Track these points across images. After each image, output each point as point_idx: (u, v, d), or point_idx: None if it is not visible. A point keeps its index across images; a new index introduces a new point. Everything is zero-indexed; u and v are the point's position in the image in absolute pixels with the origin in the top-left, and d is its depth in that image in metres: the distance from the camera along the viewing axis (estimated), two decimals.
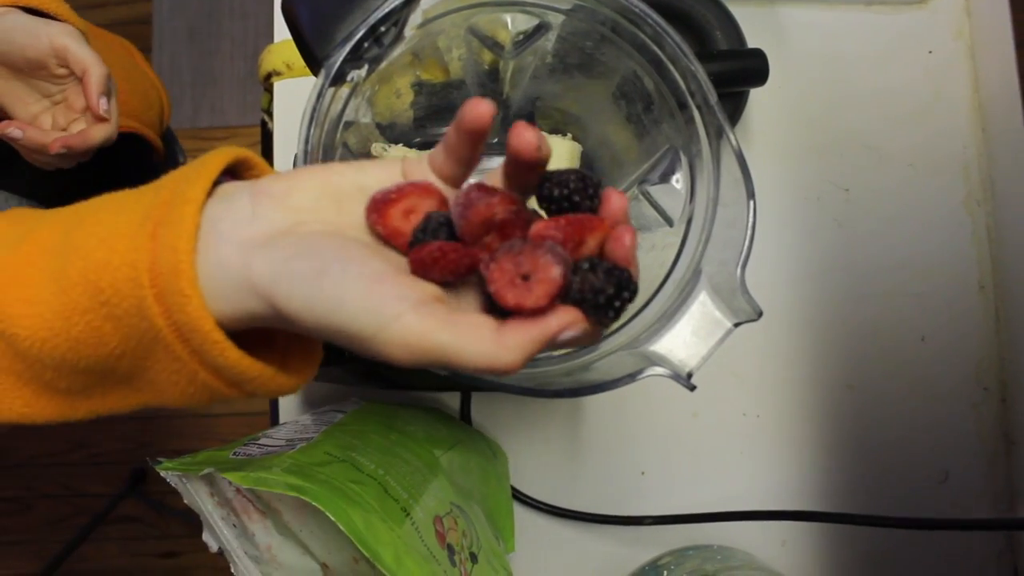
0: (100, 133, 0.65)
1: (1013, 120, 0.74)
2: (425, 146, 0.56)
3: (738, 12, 0.73)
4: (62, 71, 0.64)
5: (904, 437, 0.74)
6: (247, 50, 1.68)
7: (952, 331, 0.76)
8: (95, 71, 0.63)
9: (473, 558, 0.52)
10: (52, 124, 0.67)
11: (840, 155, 0.78)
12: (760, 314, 0.37)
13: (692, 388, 0.37)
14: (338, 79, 0.41)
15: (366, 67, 0.42)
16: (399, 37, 0.43)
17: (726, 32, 0.72)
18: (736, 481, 0.74)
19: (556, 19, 0.45)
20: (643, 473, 0.74)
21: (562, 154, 0.53)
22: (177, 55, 1.69)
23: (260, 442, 0.51)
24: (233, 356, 0.32)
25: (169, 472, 0.45)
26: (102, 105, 0.64)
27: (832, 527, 0.73)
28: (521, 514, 0.72)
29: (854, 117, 0.78)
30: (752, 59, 0.68)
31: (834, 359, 0.75)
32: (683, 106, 0.43)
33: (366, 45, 0.42)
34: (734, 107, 0.73)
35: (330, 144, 0.43)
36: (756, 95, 0.76)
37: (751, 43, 0.72)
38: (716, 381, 0.74)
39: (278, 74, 0.78)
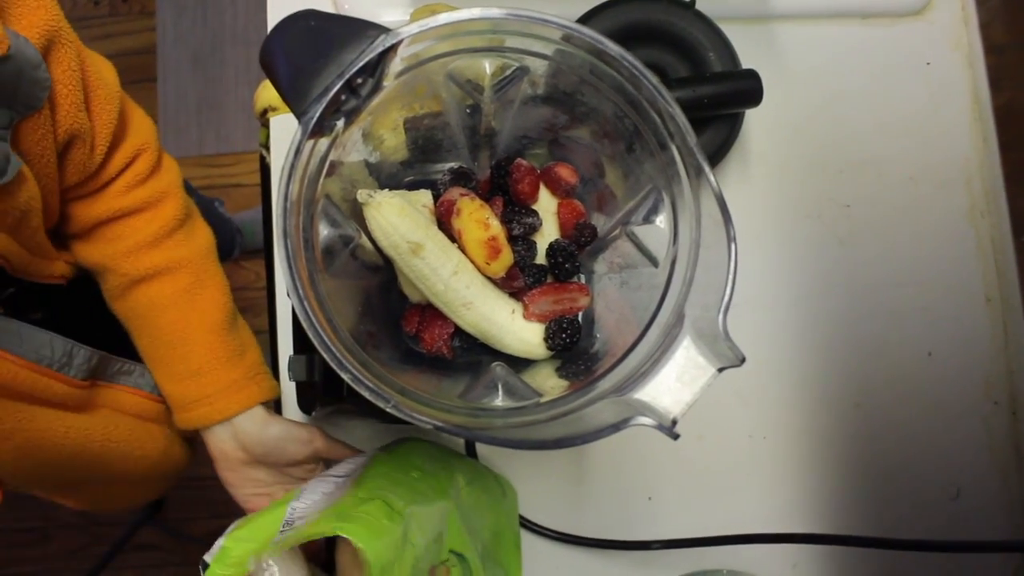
0: None
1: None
2: (415, 185, 0.56)
3: (731, 31, 0.72)
4: (312, 464, 0.67)
5: (914, 454, 0.73)
6: (251, 76, 1.70)
7: (959, 345, 0.75)
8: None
9: None
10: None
11: (840, 171, 0.77)
12: (743, 360, 0.37)
13: (675, 437, 0.36)
14: (316, 133, 0.41)
15: (343, 119, 0.42)
16: (378, 88, 0.43)
17: (719, 53, 0.71)
18: (744, 504, 0.73)
19: (535, 63, 0.45)
20: (650, 498, 0.73)
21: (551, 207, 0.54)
22: (182, 83, 1.71)
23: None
24: None
25: None
26: None
27: (843, 548, 0.72)
28: (528, 541, 0.71)
29: (853, 132, 0.78)
30: (746, 80, 0.68)
31: (840, 377, 0.74)
32: (663, 147, 0.43)
33: (343, 98, 0.42)
34: (730, 128, 0.72)
35: (311, 198, 0.43)
36: (753, 113, 0.75)
37: (746, 62, 0.71)
38: (720, 404, 0.73)
39: (274, 110, 0.78)
